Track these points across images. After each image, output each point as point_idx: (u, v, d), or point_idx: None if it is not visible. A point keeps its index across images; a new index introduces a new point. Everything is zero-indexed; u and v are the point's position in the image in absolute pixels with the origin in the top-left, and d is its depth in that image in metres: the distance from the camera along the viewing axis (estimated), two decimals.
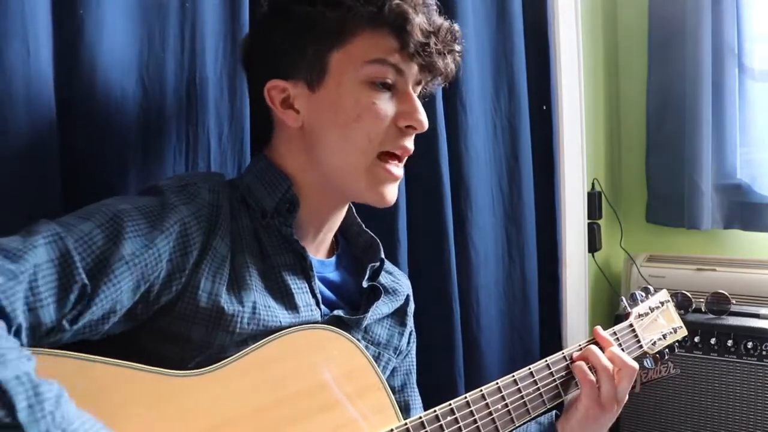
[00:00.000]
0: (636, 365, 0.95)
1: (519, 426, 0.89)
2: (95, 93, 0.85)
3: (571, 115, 1.84)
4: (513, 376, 0.90)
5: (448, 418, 0.81)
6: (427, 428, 0.79)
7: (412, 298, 1.01)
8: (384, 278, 0.94)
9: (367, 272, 0.90)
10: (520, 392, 0.89)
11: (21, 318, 0.58)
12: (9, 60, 0.75)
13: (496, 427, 0.85)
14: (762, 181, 2.08)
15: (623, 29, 2.36)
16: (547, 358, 0.95)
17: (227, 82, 1.00)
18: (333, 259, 0.91)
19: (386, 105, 0.80)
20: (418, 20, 0.78)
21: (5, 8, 0.74)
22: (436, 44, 0.80)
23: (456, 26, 0.84)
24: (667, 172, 2.22)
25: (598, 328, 1.02)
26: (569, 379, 0.95)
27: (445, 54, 0.82)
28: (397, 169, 0.84)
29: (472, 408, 0.84)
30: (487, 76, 1.54)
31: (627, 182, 2.40)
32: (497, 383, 0.88)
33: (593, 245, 2.11)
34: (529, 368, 0.92)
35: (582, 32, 1.91)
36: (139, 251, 0.67)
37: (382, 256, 0.94)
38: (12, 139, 0.76)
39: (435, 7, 0.83)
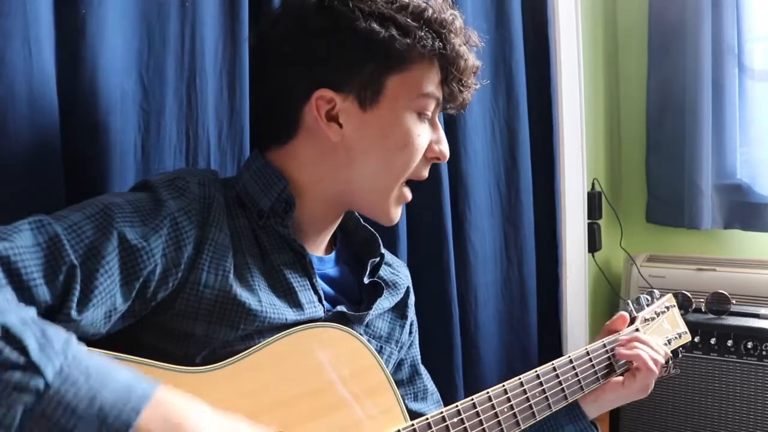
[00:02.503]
0: (668, 351, 1.07)
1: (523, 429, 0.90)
2: (96, 92, 0.85)
3: (571, 115, 1.84)
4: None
5: (455, 419, 0.81)
6: (434, 429, 0.79)
7: (411, 289, 1.01)
8: (384, 271, 0.94)
9: (368, 268, 0.90)
10: (525, 394, 0.90)
11: (10, 290, 0.58)
12: (11, 60, 0.76)
13: (502, 429, 0.86)
14: (762, 181, 2.08)
15: (623, 29, 2.36)
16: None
17: (227, 82, 1.00)
18: (332, 255, 0.91)
19: (426, 136, 0.84)
20: (470, 62, 0.83)
21: (7, 8, 0.75)
22: (472, 84, 0.86)
23: (481, 63, 0.88)
24: (667, 172, 2.22)
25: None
26: (609, 367, 1.03)
27: (472, 92, 0.87)
28: (410, 193, 0.87)
29: (478, 409, 0.84)
30: (485, 77, 1.55)
31: (627, 182, 2.40)
32: (503, 385, 0.88)
33: (593, 245, 2.11)
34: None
35: (582, 32, 1.91)
36: (130, 243, 0.67)
37: (382, 250, 0.94)
38: (14, 139, 0.77)
39: (477, 45, 0.87)
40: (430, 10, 0.80)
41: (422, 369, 1.03)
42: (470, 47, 0.84)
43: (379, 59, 0.79)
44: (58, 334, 0.54)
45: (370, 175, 0.82)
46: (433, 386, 1.03)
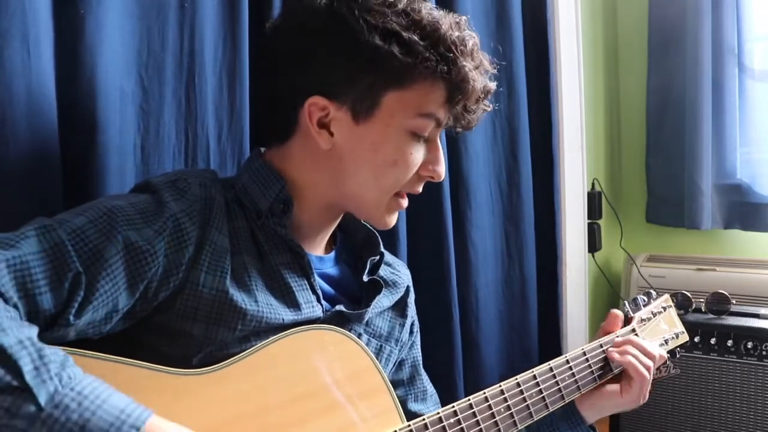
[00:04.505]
0: (666, 354, 1.05)
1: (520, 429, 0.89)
2: (95, 93, 0.85)
3: (571, 115, 1.84)
4: (519, 378, 0.90)
5: (451, 420, 0.81)
6: (430, 429, 0.79)
7: (412, 288, 1.01)
8: (383, 270, 0.94)
9: (367, 266, 0.90)
10: (522, 394, 0.89)
11: (16, 299, 0.59)
12: (9, 60, 0.76)
13: (499, 429, 0.85)
14: (762, 181, 2.08)
15: (623, 29, 2.36)
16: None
17: (227, 82, 1.00)
18: (332, 254, 0.91)
19: (419, 155, 0.82)
20: (477, 86, 0.80)
21: (5, 8, 0.75)
22: (479, 107, 0.83)
23: (494, 84, 0.85)
24: (667, 172, 2.22)
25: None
26: (605, 368, 1.01)
27: (481, 113, 0.84)
28: (405, 200, 0.86)
29: (475, 410, 0.84)
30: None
31: (627, 182, 2.40)
32: (500, 386, 0.88)
33: (593, 245, 2.11)
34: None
35: (582, 32, 1.91)
36: (134, 246, 0.67)
37: (382, 249, 0.94)
38: (12, 139, 0.77)
39: (491, 68, 0.84)
40: (442, 30, 0.77)
41: (422, 370, 1.03)
42: (481, 71, 0.81)
43: (377, 74, 0.77)
44: (55, 355, 0.55)
45: (359, 186, 0.82)
46: (432, 388, 1.03)
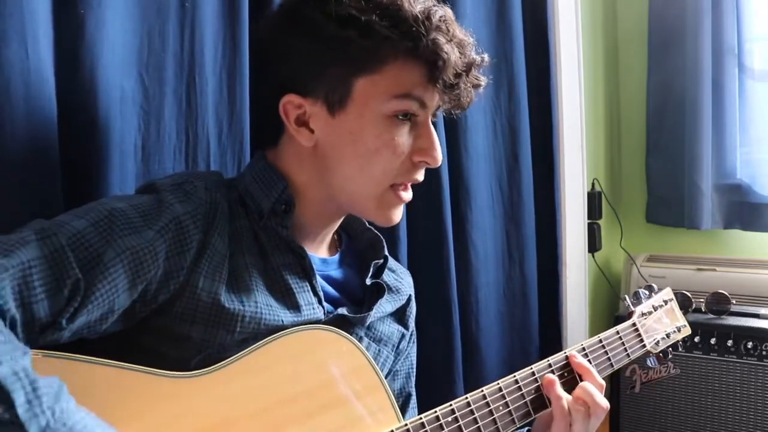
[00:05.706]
0: (607, 405, 0.89)
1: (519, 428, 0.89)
2: (95, 93, 0.84)
3: (571, 115, 1.84)
4: (501, 382, 0.87)
5: (449, 418, 0.81)
6: (428, 428, 0.79)
7: (414, 299, 1.00)
8: (387, 276, 0.94)
9: (371, 270, 0.90)
10: (521, 391, 0.89)
11: (14, 311, 0.58)
12: (8, 60, 0.75)
13: (498, 428, 0.85)
14: (762, 181, 2.08)
15: (623, 29, 2.36)
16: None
17: (227, 82, 1.00)
18: (336, 256, 0.90)
19: (405, 139, 0.79)
20: (453, 58, 0.75)
21: (4, 8, 0.74)
22: (465, 83, 0.79)
23: (486, 57, 0.81)
24: (667, 172, 2.22)
25: (575, 355, 0.94)
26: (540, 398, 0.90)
27: (471, 90, 0.81)
28: (406, 193, 0.83)
29: (473, 407, 0.83)
30: (487, 76, 1.54)
31: (627, 182, 2.40)
32: (498, 383, 0.87)
33: (593, 245, 2.11)
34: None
35: (582, 32, 1.91)
36: (134, 249, 0.67)
37: (386, 253, 0.93)
38: (12, 140, 0.76)
39: (471, 40, 0.80)
40: (404, 7, 0.74)
41: (412, 384, 1.01)
42: (455, 44, 0.76)
43: (342, 63, 0.75)
44: (49, 387, 0.54)
45: (347, 180, 0.80)
46: (415, 403, 1.01)
